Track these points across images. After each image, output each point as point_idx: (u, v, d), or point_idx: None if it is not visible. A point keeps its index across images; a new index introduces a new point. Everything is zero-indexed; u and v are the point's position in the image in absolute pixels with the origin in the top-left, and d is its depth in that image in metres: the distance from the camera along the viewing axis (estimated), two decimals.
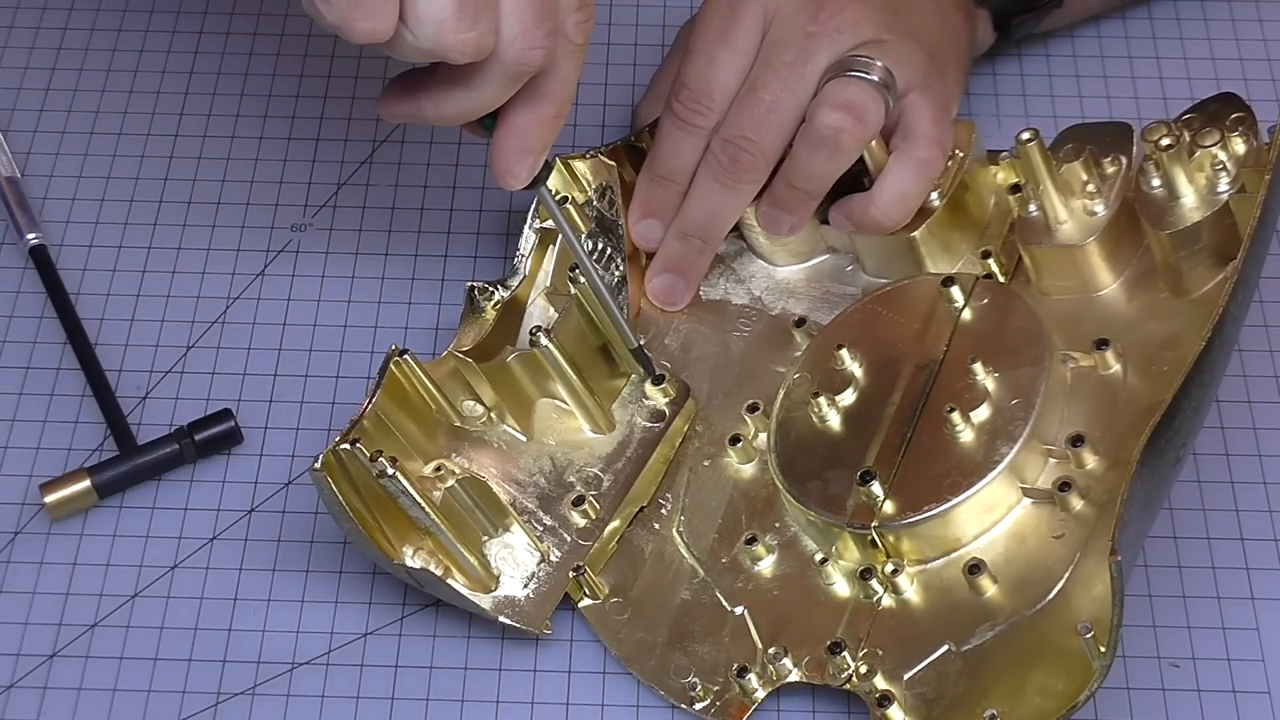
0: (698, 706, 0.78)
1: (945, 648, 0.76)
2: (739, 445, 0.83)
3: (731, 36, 0.85)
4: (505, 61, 0.74)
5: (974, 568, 0.76)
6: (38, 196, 0.95)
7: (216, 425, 0.85)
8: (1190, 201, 0.80)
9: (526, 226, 0.88)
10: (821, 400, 0.81)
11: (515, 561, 0.81)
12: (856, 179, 0.86)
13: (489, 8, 0.72)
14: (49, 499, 0.84)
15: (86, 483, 0.84)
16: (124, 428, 0.86)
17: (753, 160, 0.85)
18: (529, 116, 0.77)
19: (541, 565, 0.81)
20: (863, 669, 0.76)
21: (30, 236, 0.92)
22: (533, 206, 0.88)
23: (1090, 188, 0.83)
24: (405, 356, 0.81)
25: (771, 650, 0.77)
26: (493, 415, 0.84)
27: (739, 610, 0.80)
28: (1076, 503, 0.76)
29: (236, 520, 0.84)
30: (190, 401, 0.88)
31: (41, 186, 0.95)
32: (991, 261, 0.85)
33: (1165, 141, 0.79)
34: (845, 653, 0.76)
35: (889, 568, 0.78)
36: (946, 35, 0.89)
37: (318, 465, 0.75)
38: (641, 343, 0.84)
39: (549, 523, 0.82)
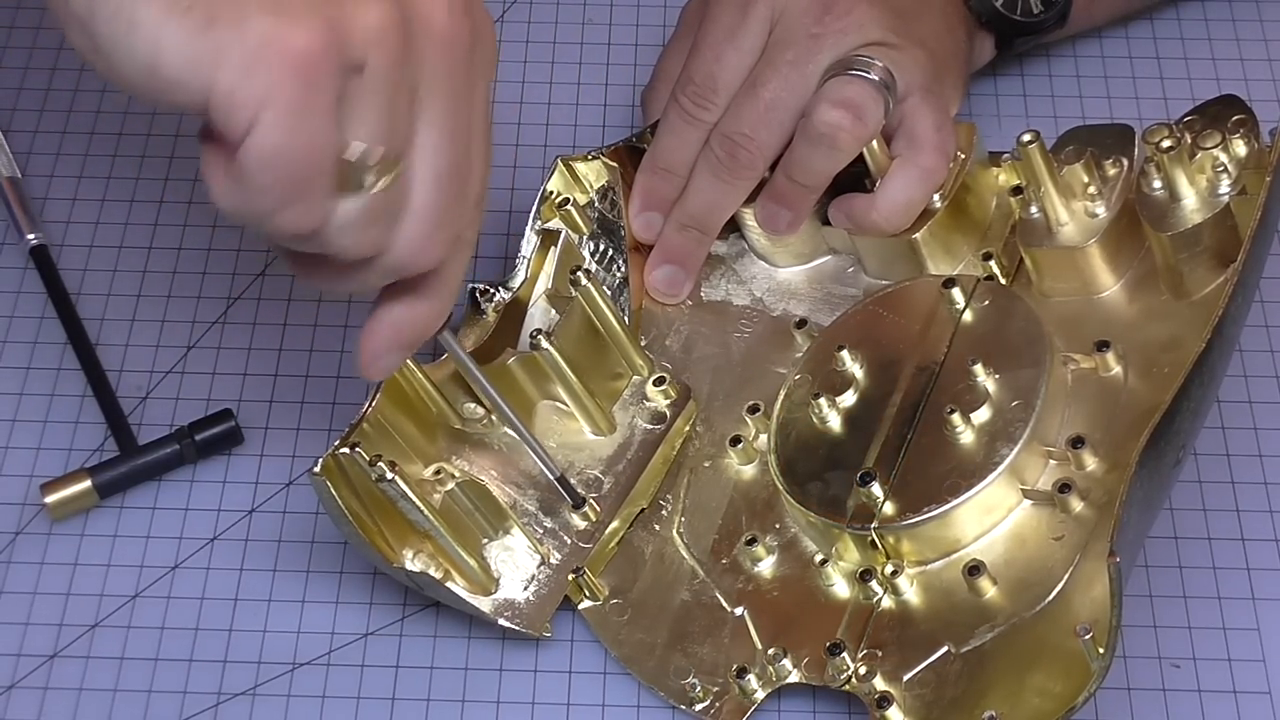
0: (697, 707, 0.78)
1: (944, 649, 0.76)
2: (739, 446, 0.83)
3: (739, 35, 0.85)
4: (396, 257, 0.68)
5: (974, 569, 0.76)
6: (38, 196, 0.95)
7: (217, 425, 0.85)
8: (1191, 203, 0.80)
9: (528, 228, 0.88)
10: (822, 401, 0.81)
11: (515, 564, 0.81)
12: (858, 180, 0.86)
13: (392, 214, 0.67)
14: (49, 499, 0.84)
15: (87, 483, 0.84)
16: (124, 428, 0.86)
17: (750, 157, 0.85)
18: (407, 313, 0.71)
19: (541, 568, 0.81)
20: (862, 670, 0.76)
21: (30, 236, 0.92)
22: (534, 207, 0.88)
23: (1091, 189, 0.82)
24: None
25: (771, 651, 0.77)
26: (493, 418, 0.83)
27: (739, 611, 0.80)
28: (1076, 504, 0.76)
29: (237, 521, 0.84)
30: (190, 401, 0.88)
31: (42, 186, 0.95)
32: (992, 263, 0.85)
33: (1166, 143, 0.79)
34: (845, 654, 0.76)
35: (889, 569, 0.78)
36: (950, 45, 0.89)
37: (317, 469, 0.75)
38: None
39: (549, 525, 0.82)
